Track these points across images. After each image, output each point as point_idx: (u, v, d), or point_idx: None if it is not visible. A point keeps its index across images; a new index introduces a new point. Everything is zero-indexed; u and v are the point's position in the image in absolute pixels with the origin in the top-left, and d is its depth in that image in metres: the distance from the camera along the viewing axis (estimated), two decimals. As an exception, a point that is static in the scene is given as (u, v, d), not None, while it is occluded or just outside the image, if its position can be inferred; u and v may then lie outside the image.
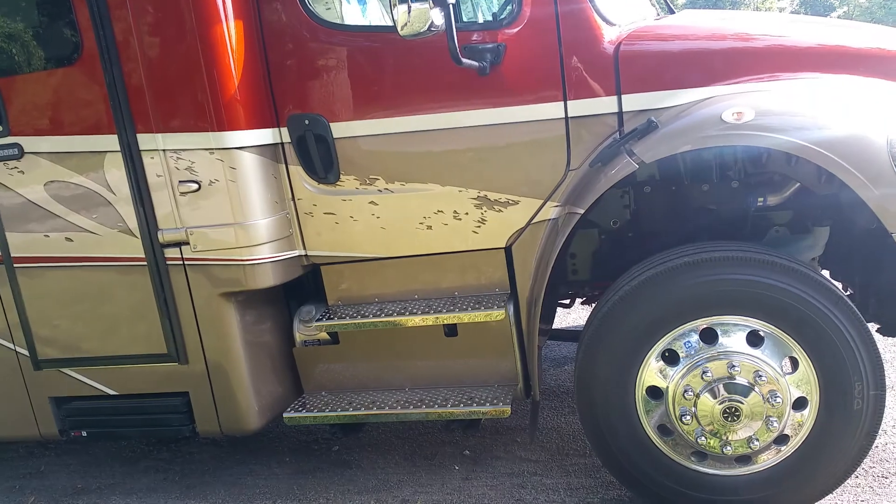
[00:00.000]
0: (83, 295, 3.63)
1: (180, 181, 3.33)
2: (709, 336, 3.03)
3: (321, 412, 3.59)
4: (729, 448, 3.05)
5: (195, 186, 3.32)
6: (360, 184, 3.42)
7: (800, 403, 2.99)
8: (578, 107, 3.13)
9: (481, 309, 3.34)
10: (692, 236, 3.34)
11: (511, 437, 4.26)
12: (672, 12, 4.33)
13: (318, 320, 3.57)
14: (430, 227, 3.40)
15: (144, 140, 3.32)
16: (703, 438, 3.06)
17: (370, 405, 3.56)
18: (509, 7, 3.26)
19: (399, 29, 2.82)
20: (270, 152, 3.41)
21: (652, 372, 3.09)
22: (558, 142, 3.18)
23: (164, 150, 3.31)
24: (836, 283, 3.35)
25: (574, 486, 3.67)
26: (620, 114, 3.11)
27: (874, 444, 3.05)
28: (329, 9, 3.43)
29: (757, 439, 3.01)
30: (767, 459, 3.08)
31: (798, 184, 3.30)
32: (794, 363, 2.98)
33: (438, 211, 3.37)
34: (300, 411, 3.63)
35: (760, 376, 2.96)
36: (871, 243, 3.23)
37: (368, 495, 3.83)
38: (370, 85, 3.32)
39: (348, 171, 3.41)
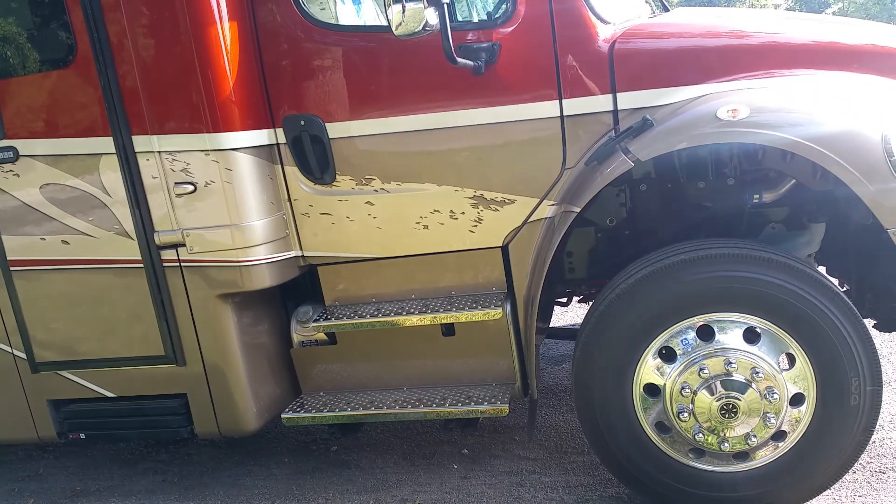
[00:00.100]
0: (80, 298, 3.62)
1: (176, 183, 3.33)
2: (706, 333, 3.04)
3: (319, 412, 3.59)
4: (727, 445, 3.05)
5: (191, 188, 3.32)
6: (357, 184, 3.41)
7: (797, 400, 3.00)
8: (574, 105, 3.13)
9: (478, 308, 3.34)
10: (688, 234, 3.35)
11: (509, 436, 4.27)
12: (667, 10, 4.33)
13: (316, 321, 3.57)
14: (426, 227, 3.40)
15: (140, 142, 3.32)
16: (700, 435, 3.06)
17: (368, 405, 3.56)
18: (504, 6, 3.25)
19: (394, 29, 2.82)
20: (266, 153, 3.41)
21: (649, 369, 3.09)
22: (554, 140, 3.18)
23: (159, 152, 3.31)
24: (832, 279, 3.35)
25: (572, 484, 3.68)
26: (616, 112, 3.11)
27: (871, 440, 3.06)
28: (324, 9, 3.43)
29: (754, 436, 3.02)
30: (765, 456, 3.09)
31: (794, 180, 3.31)
32: (791, 360, 2.99)
33: (435, 210, 3.37)
34: (298, 412, 3.63)
35: (757, 373, 2.96)
36: (867, 239, 3.23)
37: (367, 495, 3.83)
38: (365, 85, 3.32)
39: (344, 171, 3.40)
